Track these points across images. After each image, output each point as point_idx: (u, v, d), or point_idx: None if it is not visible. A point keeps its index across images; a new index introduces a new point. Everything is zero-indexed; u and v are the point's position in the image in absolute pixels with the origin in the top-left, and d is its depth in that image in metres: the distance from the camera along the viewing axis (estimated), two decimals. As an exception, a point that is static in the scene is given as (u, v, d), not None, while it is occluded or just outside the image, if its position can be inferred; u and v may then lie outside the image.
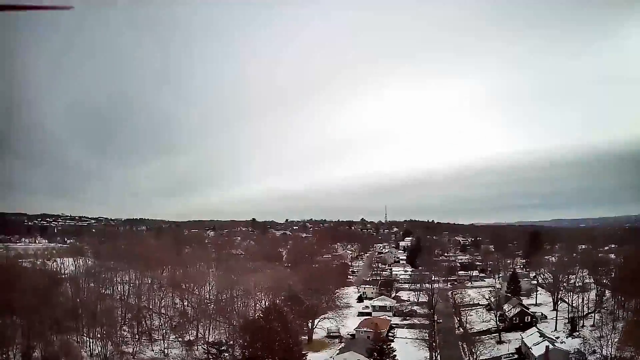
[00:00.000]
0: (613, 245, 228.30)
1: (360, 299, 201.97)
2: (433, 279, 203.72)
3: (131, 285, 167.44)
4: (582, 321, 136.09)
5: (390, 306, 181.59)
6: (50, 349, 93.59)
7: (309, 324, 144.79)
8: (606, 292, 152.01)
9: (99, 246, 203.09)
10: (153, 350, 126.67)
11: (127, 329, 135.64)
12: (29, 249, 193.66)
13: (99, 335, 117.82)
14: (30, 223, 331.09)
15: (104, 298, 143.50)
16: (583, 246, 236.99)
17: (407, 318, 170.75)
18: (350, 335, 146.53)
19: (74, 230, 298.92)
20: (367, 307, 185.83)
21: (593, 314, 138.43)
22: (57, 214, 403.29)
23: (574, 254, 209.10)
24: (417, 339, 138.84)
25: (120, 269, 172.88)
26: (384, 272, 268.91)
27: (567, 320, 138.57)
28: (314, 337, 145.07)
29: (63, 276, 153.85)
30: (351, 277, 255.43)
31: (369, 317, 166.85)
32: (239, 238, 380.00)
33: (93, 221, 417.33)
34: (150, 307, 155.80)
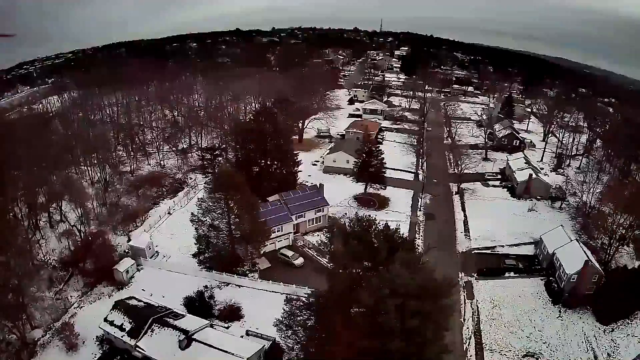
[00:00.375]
0: (613, 100, 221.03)
1: (351, 102, 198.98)
2: (427, 88, 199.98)
3: (119, 106, 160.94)
4: (568, 160, 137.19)
5: (381, 110, 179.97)
6: (52, 190, 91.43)
7: (300, 125, 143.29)
8: (597, 140, 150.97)
9: (81, 77, 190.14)
10: (149, 165, 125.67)
11: (121, 149, 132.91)
12: (13, 101, 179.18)
13: (95, 162, 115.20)
14: (8, 76, 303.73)
15: (94, 124, 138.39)
16: (583, 90, 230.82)
17: (398, 123, 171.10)
18: (340, 135, 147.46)
19: (53, 69, 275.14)
20: (357, 109, 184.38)
21: (580, 157, 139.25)
22: (32, 59, 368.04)
23: (573, 95, 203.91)
24: (405, 143, 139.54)
25: (105, 94, 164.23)
26: (376, 78, 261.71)
27: (554, 155, 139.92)
28: (305, 136, 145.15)
29: (51, 114, 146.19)
30: (342, 80, 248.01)
31: (359, 119, 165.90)
32: (224, 47, 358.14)
33: (70, 55, 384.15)
34: (141, 122, 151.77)
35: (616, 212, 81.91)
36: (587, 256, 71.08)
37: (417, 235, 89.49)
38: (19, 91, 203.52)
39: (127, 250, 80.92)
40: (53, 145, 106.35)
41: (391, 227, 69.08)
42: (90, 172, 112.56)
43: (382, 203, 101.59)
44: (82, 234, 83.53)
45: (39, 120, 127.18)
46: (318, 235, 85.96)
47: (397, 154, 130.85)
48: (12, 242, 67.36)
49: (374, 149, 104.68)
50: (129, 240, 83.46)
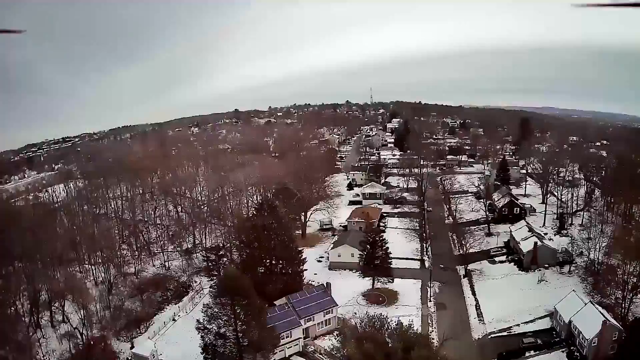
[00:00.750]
0: (605, 142, 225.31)
1: (350, 187, 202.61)
2: (422, 163, 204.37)
3: (123, 199, 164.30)
4: (570, 218, 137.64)
5: (380, 193, 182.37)
6: (56, 288, 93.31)
7: (302, 217, 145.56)
8: (596, 190, 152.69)
9: (86, 165, 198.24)
10: (154, 266, 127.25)
11: (126, 247, 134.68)
12: (19, 186, 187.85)
13: (100, 260, 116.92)
14: (16, 158, 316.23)
15: (99, 219, 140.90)
16: (574, 138, 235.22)
17: (398, 206, 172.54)
18: (343, 226, 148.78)
19: (59, 155, 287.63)
20: (357, 194, 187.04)
21: (582, 213, 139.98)
22: (40, 141, 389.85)
23: (565, 145, 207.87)
24: (408, 229, 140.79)
25: (110, 184, 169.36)
26: (372, 157, 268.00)
27: (555, 216, 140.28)
28: (308, 230, 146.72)
29: (56, 205, 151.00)
30: (339, 163, 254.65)
31: (360, 206, 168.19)
32: (224, 131, 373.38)
33: (77, 139, 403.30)
34: (145, 219, 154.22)
35: (625, 262, 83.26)
36: (604, 315, 71.55)
37: (430, 328, 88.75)
38: (26, 176, 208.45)
39: (129, 358, 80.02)
40: (58, 240, 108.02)
41: (404, 324, 69.51)
42: (94, 271, 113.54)
43: (391, 298, 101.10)
44: (83, 338, 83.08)
45: (44, 210, 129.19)
46: (329, 339, 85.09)
47: (400, 241, 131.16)
48: (12, 338, 66.63)
49: (377, 239, 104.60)
50: (132, 347, 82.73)
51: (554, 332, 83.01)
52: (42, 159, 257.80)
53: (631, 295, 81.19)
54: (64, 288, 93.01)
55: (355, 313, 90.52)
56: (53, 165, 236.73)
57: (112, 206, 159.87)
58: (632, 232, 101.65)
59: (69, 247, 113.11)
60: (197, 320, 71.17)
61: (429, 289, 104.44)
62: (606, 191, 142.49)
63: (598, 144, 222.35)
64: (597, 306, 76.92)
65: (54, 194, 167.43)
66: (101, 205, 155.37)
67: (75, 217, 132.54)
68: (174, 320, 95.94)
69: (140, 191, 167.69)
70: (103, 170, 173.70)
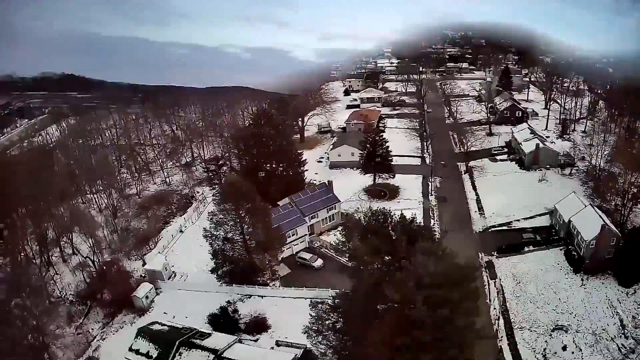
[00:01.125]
0: (611, 59, 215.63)
1: (346, 92, 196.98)
2: (421, 69, 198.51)
3: (117, 127, 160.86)
4: (573, 125, 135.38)
5: (378, 97, 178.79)
6: (61, 223, 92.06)
7: (299, 123, 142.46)
8: (600, 102, 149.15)
9: (76, 101, 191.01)
10: (155, 183, 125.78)
11: (125, 171, 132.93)
12: (12, 136, 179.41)
13: (101, 188, 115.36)
14: (5, 112, 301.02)
15: (95, 149, 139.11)
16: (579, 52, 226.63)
17: (397, 108, 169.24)
18: (341, 128, 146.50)
19: (47, 95, 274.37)
20: (354, 99, 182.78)
21: (585, 120, 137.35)
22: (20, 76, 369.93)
23: (570, 59, 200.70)
24: (407, 128, 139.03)
25: (102, 116, 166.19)
26: (368, 65, 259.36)
27: (558, 121, 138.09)
28: (306, 134, 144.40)
29: (51, 145, 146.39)
30: (335, 72, 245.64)
31: (358, 109, 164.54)
32: None
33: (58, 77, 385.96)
34: (141, 141, 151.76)
35: (626, 172, 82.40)
36: (603, 220, 71.49)
37: (432, 221, 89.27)
38: (18, 125, 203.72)
39: (143, 275, 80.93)
40: (57, 178, 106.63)
41: (407, 217, 68.95)
42: (97, 199, 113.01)
43: (392, 192, 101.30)
44: (95, 265, 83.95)
45: (40, 153, 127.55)
46: (334, 234, 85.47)
47: (401, 140, 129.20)
48: (25, 283, 67.10)
49: (377, 138, 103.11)
50: (144, 264, 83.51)
51: (553, 230, 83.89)
52: (31, 105, 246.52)
53: (631, 204, 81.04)
54: (70, 221, 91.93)
55: (358, 208, 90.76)
56: (43, 109, 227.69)
57: (107, 135, 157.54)
58: (635, 144, 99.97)
59: (69, 182, 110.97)
60: (204, 229, 71.35)
61: (430, 184, 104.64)
62: (611, 103, 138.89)
63: (604, 60, 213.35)
64: (597, 210, 76.82)
65: (47, 136, 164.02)
66: (96, 136, 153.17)
67: (72, 152, 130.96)
68: (181, 232, 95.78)
69: (134, 117, 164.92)
70: (91, 104, 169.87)
